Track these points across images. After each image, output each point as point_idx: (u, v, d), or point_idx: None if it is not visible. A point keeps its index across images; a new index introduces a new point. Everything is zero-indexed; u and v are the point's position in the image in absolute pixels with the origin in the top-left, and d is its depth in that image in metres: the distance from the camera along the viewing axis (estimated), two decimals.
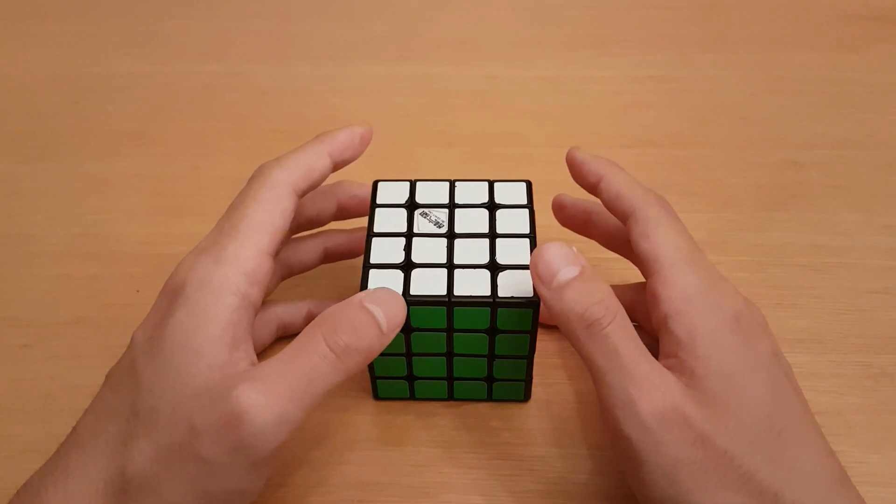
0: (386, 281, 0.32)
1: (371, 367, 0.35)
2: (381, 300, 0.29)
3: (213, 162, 0.49)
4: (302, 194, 0.32)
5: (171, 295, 0.29)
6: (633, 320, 0.37)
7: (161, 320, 0.29)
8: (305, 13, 0.62)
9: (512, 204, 0.35)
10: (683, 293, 0.29)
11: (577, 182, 0.35)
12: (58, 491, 0.27)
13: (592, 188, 0.34)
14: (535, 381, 0.36)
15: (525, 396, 0.36)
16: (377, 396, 0.37)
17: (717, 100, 0.53)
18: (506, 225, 0.34)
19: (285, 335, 0.38)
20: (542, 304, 0.30)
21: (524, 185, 0.36)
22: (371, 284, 0.32)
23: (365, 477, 0.34)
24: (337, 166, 0.34)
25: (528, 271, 0.32)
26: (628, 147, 0.50)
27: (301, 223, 0.37)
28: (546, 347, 0.38)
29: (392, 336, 0.29)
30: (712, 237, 0.44)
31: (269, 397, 0.26)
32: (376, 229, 0.34)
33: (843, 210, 0.45)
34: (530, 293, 0.31)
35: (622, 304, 0.37)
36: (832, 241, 0.44)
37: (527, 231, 0.34)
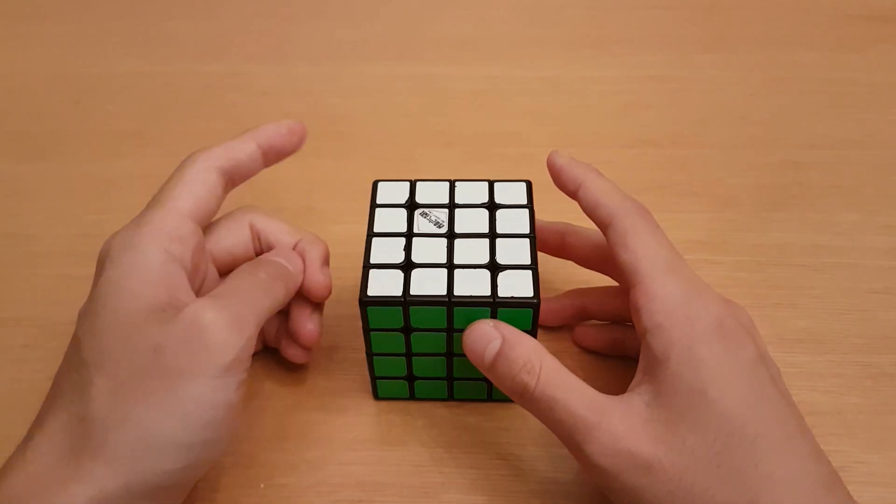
0: (386, 281, 0.32)
1: (371, 367, 0.35)
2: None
3: None
4: (228, 172, 0.33)
5: (100, 265, 0.31)
6: (625, 322, 0.37)
7: (94, 286, 0.30)
8: (305, 13, 0.62)
9: (512, 204, 0.35)
10: (664, 306, 0.30)
11: (557, 187, 0.35)
12: (19, 461, 0.27)
13: (572, 195, 0.34)
14: None
15: None
16: (377, 396, 0.37)
17: (717, 100, 0.53)
18: (506, 225, 0.34)
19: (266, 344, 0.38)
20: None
21: (524, 185, 0.36)
22: (371, 284, 0.32)
23: (365, 477, 0.34)
24: (267, 154, 0.34)
25: (528, 271, 0.32)
26: (628, 147, 0.50)
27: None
28: (546, 347, 0.38)
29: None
30: (712, 237, 0.44)
31: (221, 309, 0.29)
32: (376, 229, 0.34)
33: (843, 210, 0.45)
34: (530, 293, 0.31)
35: (614, 307, 0.37)
36: (832, 241, 0.44)
37: (527, 231, 0.34)
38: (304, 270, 0.35)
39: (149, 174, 0.48)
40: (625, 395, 0.30)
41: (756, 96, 0.54)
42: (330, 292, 0.36)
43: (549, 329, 0.39)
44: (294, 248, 0.36)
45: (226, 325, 0.29)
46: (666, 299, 0.30)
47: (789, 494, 0.27)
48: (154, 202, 0.32)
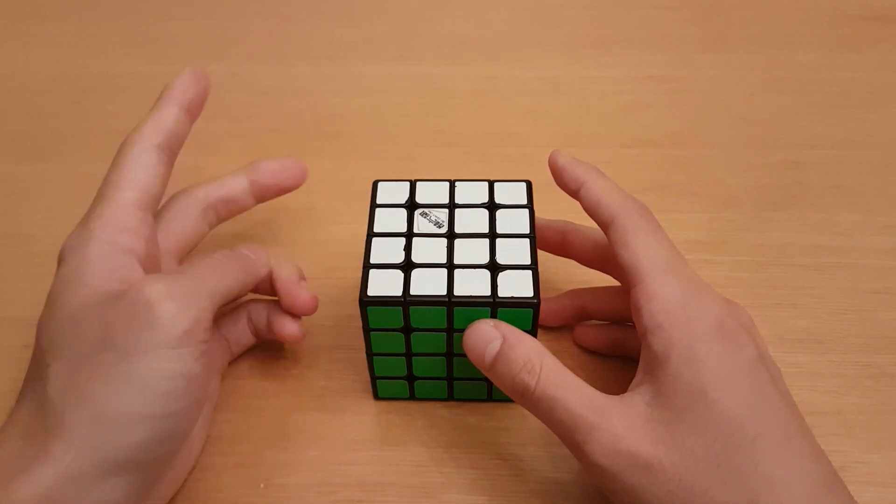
0: (386, 281, 0.32)
1: (371, 367, 0.35)
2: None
3: (213, 162, 0.49)
4: (165, 146, 0.33)
5: (58, 266, 0.31)
6: (625, 322, 0.37)
7: (52, 286, 0.31)
8: (305, 13, 0.62)
9: (512, 204, 0.35)
10: (664, 306, 0.30)
11: (559, 187, 0.35)
12: None
13: (574, 194, 0.34)
14: None
15: None
16: (377, 396, 0.37)
17: (717, 100, 0.53)
18: (506, 225, 0.34)
19: (260, 337, 0.38)
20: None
21: (524, 185, 0.36)
22: (371, 284, 0.32)
23: (365, 477, 0.34)
24: (189, 111, 0.35)
25: (528, 271, 0.32)
26: (628, 147, 0.50)
27: (214, 205, 0.37)
28: (546, 347, 0.38)
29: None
30: (712, 237, 0.44)
31: (168, 283, 0.29)
32: (376, 229, 0.34)
33: (843, 210, 0.45)
34: (530, 293, 0.31)
35: (614, 307, 0.37)
36: (832, 241, 0.44)
37: (527, 231, 0.34)
38: (280, 287, 0.36)
39: None
40: (625, 395, 0.30)
41: (756, 96, 0.54)
42: (316, 306, 0.36)
43: (549, 329, 0.39)
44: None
45: (172, 296, 0.29)
46: (666, 299, 0.30)
47: (789, 494, 0.27)
48: (100, 196, 0.32)
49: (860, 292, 0.41)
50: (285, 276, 0.36)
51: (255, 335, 0.38)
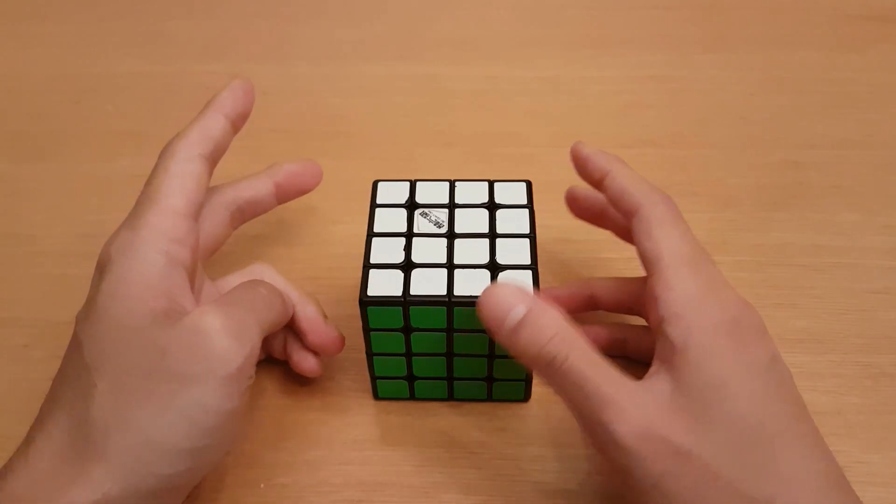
0: (386, 281, 0.32)
1: (371, 367, 0.35)
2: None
3: None
4: (210, 156, 0.33)
5: (100, 270, 0.30)
6: (636, 314, 0.37)
7: (94, 292, 0.30)
8: (305, 13, 0.62)
9: (512, 204, 0.35)
10: (681, 297, 0.30)
11: (581, 177, 0.35)
12: (19, 463, 0.27)
13: (597, 184, 0.34)
14: (535, 381, 0.36)
15: (525, 396, 0.36)
16: (377, 396, 0.37)
17: (717, 100, 0.53)
18: (506, 225, 0.34)
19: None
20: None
21: (524, 185, 0.36)
22: (371, 284, 0.32)
23: (365, 477, 0.34)
24: (234, 123, 0.34)
25: (528, 271, 0.32)
26: (628, 147, 0.50)
27: (242, 207, 0.37)
28: None
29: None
30: (712, 237, 0.44)
31: (225, 317, 0.29)
32: (376, 229, 0.34)
33: (843, 210, 0.45)
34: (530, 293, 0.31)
35: (623, 298, 0.37)
36: (832, 241, 0.44)
37: (527, 231, 0.34)
38: (307, 326, 0.35)
39: (149, 174, 0.49)
40: (645, 381, 0.29)
41: (756, 96, 0.54)
42: (343, 345, 0.36)
43: None
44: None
45: (230, 332, 0.28)
46: (684, 291, 0.30)
47: (804, 493, 0.27)
48: (146, 200, 0.31)
49: (860, 292, 0.41)
50: (311, 315, 0.35)
51: (268, 353, 0.38)
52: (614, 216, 0.37)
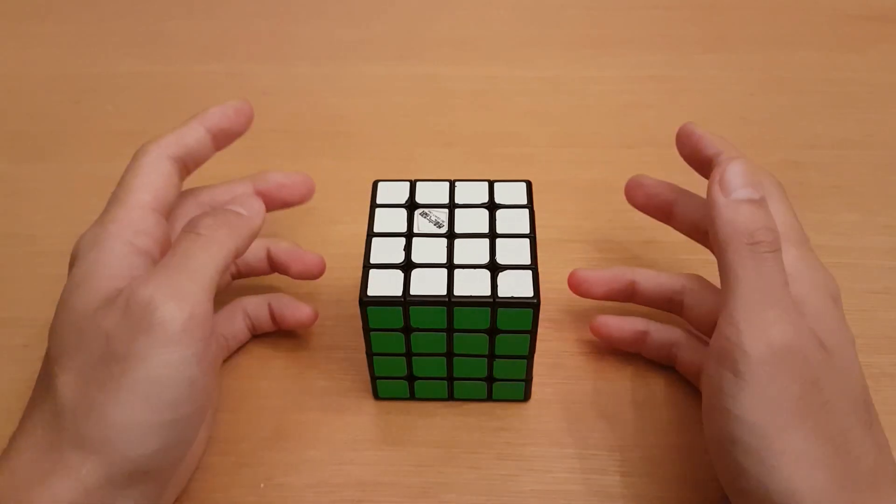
0: (386, 281, 0.32)
1: (371, 367, 0.35)
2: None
3: (212, 161, 0.49)
4: (180, 159, 0.34)
5: (70, 265, 0.31)
6: (669, 310, 0.37)
7: (64, 287, 0.30)
8: (305, 13, 0.62)
9: (512, 204, 0.35)
10: (790, 266, 0.29)
11: (684, 157, 0.34)
12: (2, 462, 0.27)
13: (708, 160, 0.33)
14: (535, 381, 0.36)
15: (525, 396, 0.36)
16: (377, 396, 0.37)
17: (717, 100, 0.53)
18: (506, 225, 0.34)
19: (255, 332, 0.39)
20: (715, 215, 0.30)
21: (524, 185, 0.36)
22: (371, 284, 0.32)
23: (365, 477, 0.34)
24: (217, 137, 0.35)
25: (528, 271, 0.32)
26: (628, 147, 0.50)
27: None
28: (546, 347, 0.38)
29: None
30: None
31: (158, 283, 0.28)
32: (376, 229, 0.34)
33: (843, 210, 0.45)
34: (530, 293, 0.31)
35: (664, 289, 0.37)
36: (832, 241, 0.44)
37: (527, 231, 0.34)
38: (288, 257, 0.37)
39: None
40: None
41: (756, 96, 0.54)
42: (325, 266, 0.37)
43: (555, 328, 0.39)
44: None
45: (164, 298, 0.27)
46: (792, 262, 0.30)
47: (889, 462, 0.28)
48: (115, 198, 0.32)
49: (860, 292, 0.41)
50: (287, 247, 0.37)
51: (252, 330, 0.38)
52: (686, 212, 0.36)
